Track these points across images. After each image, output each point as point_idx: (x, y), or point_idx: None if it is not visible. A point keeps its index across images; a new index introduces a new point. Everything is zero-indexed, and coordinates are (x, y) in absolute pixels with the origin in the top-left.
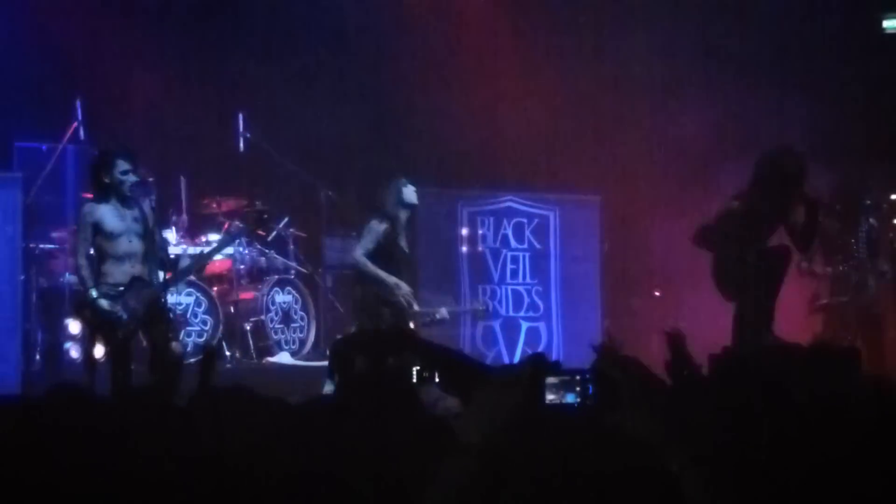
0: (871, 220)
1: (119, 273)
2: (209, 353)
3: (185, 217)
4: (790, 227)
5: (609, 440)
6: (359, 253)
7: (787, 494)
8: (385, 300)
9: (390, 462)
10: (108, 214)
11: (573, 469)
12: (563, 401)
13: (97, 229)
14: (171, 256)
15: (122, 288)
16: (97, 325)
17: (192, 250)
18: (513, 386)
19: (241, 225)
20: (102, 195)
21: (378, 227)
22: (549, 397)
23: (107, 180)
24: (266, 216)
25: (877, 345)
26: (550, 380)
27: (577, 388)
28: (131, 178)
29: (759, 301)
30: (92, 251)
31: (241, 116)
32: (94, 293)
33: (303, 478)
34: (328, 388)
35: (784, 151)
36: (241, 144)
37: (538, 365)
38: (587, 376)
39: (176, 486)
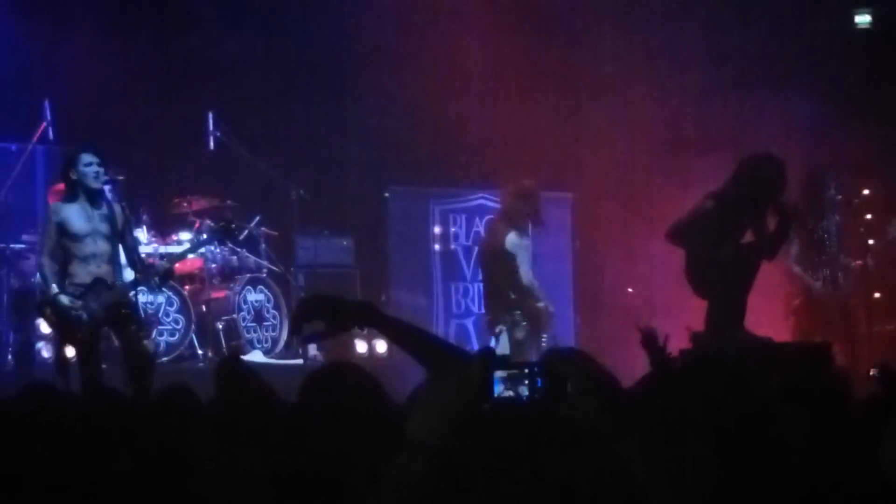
0: (836, 216)
1: (84, 273)
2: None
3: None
4: (760, 233)
5: (558, 433)
6: (530, 275)
7: (741, 485)
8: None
9: (349, 459)
10: (74, 215)
11: (523, 464)
12: (513, 394)
13: (62, 229)
14: (143, 256)
15: (83, 289)
16: (58, 325)
17: (162, 249)
18: (461, 380)
19: (205, 236)
20: (71, 194)
21: (527, 241)
22: (498, 391)
23: (73, 177)
24: (234, 226)
25: (850, 340)
26: (499, 373)
27: (526, 382)
28: (94, 168)
29: (731, 297)
30: (58, 250)
31: (210, 115)
32: (54, 289)
33: (270, 477)
34: (312, 351)
35: (765, 157)
36: (212, 143)
37: (487, 359)
38: (535, 369)
39: (146, 483)
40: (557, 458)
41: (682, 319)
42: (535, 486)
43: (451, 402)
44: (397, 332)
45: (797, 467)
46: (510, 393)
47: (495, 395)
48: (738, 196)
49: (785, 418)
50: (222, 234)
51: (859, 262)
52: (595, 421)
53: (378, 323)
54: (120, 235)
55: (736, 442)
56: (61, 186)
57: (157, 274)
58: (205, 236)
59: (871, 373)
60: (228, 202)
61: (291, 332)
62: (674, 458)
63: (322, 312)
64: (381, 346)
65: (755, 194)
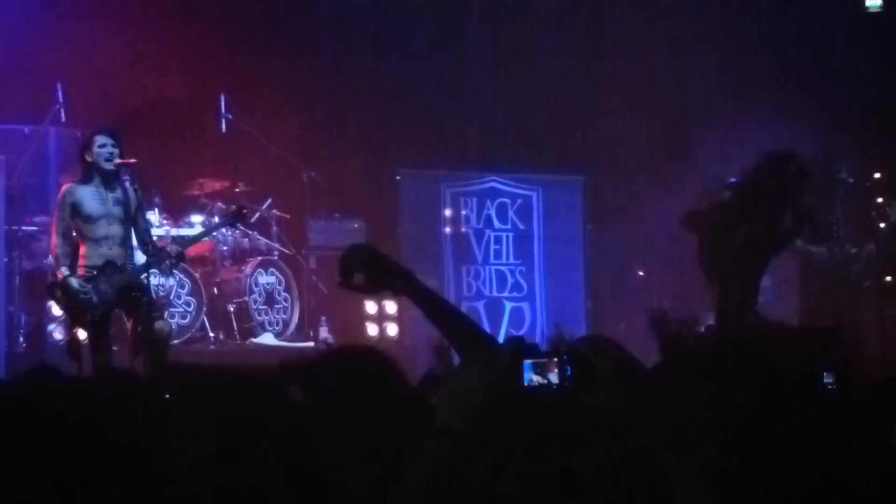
0: (841, 201)
1: (96, 255)
2: None
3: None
4: (774, 226)
5: (590, 420)
6: None
7: (768, 473)
8: None
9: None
10: (88, 197)
11: (557, 451)
12: (543, 381)
13: (76, 211)
14: (154, 240)
15: (95, 271)
16: (67, 306)
17: (174, 232)
18: (490, 368)
19: (217, 219)
20: (85, 176)
21: None
22: (529, 378)
23: (88, 158)
24: (246, 210)
25: (858, 323)
26: (529, 361)
27: (556, 370)
28: (109, 150)
29: (744, 283)
30: (72, 232)
31: (222, 97)
32: (65, 271)
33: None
34: (324, 333)
35: (789, 156)
36: (223, 126)
37: (517, 347)
38: (565, 357)
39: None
40: (585, 447)
41: (692, 301)
42: (562, 475)
43: (481, 389)
44: (431, 307)
45: (815, 453)
46: (540, 380)
47: (526, 382)
48: (757, 190)
49: (801, 403)
50: (234, 219)
51: (870, 245)
52: (625, 408)
53: (414, 292)
54: (132, 218)
55: (758, 428)
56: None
57: (168, 258)
58: (217, 220)
59: None
60: (240, 185)
61: (339, 277)
62: (699, 446)
63: (365, 266)
64: (392, 328)
65: (775, 191)
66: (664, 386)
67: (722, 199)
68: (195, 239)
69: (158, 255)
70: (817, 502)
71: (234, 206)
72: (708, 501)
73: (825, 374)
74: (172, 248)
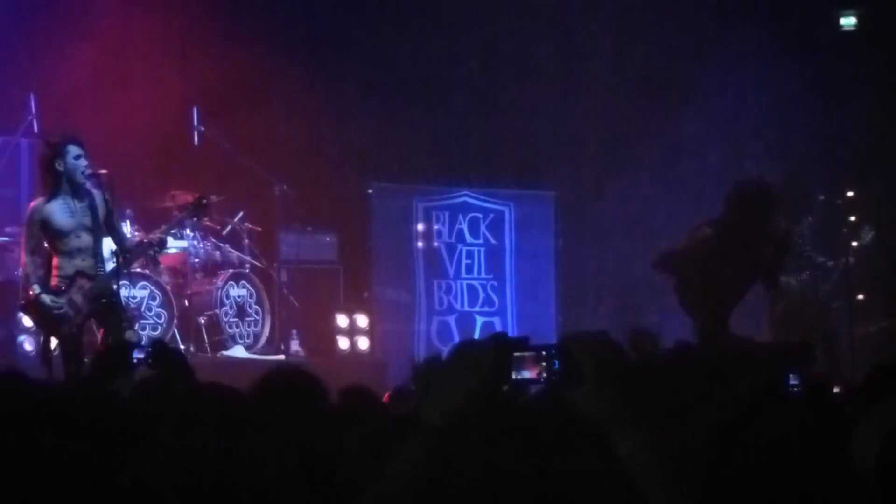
0: (810, 217)
1: (69, 266)
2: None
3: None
4: (757, 261)
5: (569, 424)
6: None
7: (727, 480)
8: None
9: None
10: (57, 211)
11: (531, 452)
12: (531, 376)
13: (45, 227)
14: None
15: (67, 282)
16: (42, 322)
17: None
18: (475, 363)
19: (178, 214)
20: (54, 188)
21: None
22: (515, 373)
23: (60, 168)
24: (205, 201)
25: (830, 341)
26: (517, 355)
27: (544, 364)
28: (83, 161)
29: (719, 315)
30: (43, 246)
31: (195, 110)
32: (36, 289)
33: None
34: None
35: (754, 185)
36: (196, 138)
37: (502, 341)
38: (553, 352)
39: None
40: (563, 451)
41: (666, 317)
42: (542, 475)
43: (467, 383)
44: None
45: (779, 463)
46: (528, 375)
47: (514, 377)
48: (729, 223)
49: (766, 414)
50: (195, 211)
51: (843, 261)
52: (601, 411)
53: None
54: (106, 224)
55: (719, 437)
56: None
57: (151, 246)
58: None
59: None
60: (212, 197)
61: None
62: (668, 454)
63: None
64: (363, 342)
65: (745, 222)
66: (636, 391)
67: (701, 236)
68: (164, 241)
69: (141, 247)
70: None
71: (194, 198)
72: None
73: (790, 376)
74: (154, 236)
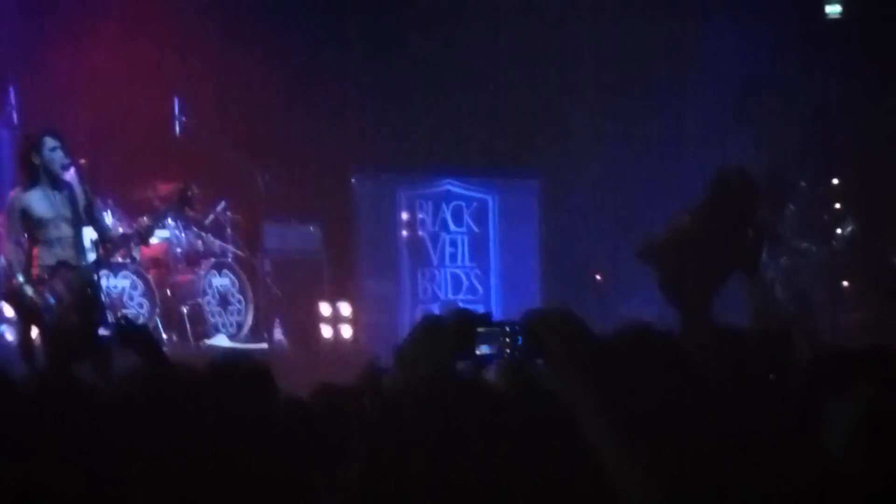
0: (791, 205)
1: (49, 257)
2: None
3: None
4: (737, 249)
5: (531, 399)
6: None
7: (695, 459)
8: None
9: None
10: (37, 201)
11: (492, 427)
12: (494, 351)
13: (26, 216)
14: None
15: (48, 272)
16: (25, 312)
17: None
18: (439, 337)
19: (162, 205)
20: (32, 180)
21: None
22: (480, 348)
23: (36, 161)
24: (190, 193)
25: (810, 328)
26: (481, 330)
27: (507, 340)
28: (59, 153)
29: (702, 304)
30: (24, 237)
31: (176, 100)
32: (20, 278)
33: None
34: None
35: (735, 174)
36: (178, 128)
37: (464, 315)
38: (517, 328)
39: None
40: (527, 426)
41: (649, 305)
42: (503, 450)
43: (430, 358)
44: None
45: (750, 450)
46: (491, 350)
47: (477, 352)
48: (710, 211)
49: (739, 400)
50: (180, 204)
51: (825, 249)
52: (564, 388)
53: None
54: (86, 215)
55: (685, 415)
56: None
57: (138, 235)
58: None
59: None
60: (194, 187)
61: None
62: (637, 435)
63: None
64: (347, 331)
65: (727, 211)
66: (608, 372)
67: (681, 224)
68: (150, 231)
69: (126, 239)
70: (747, 486)
71: (178, 189)
72: (648, 490)
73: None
74: (136, 227)
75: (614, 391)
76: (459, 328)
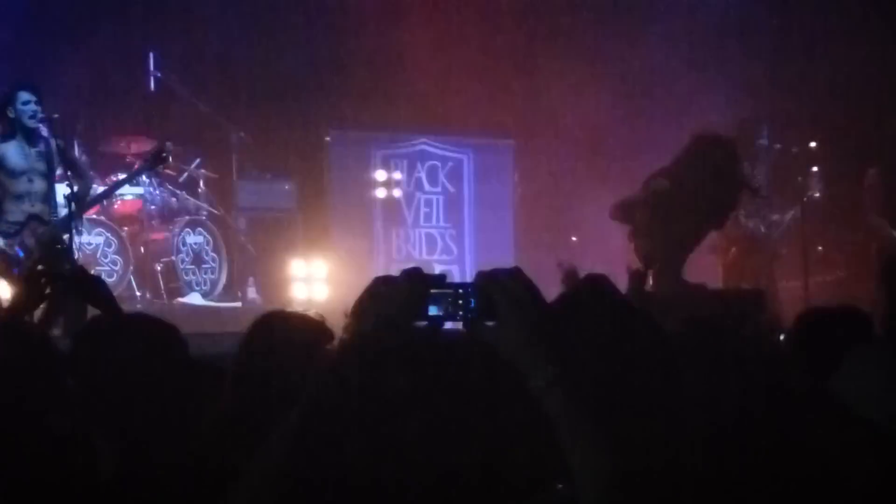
0: (765, 165)
1: (18, 211)
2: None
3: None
4: (715, 211)
5: (482, 360)
6: None
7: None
8: None
9: None
10: (12, 152)
11: (442, 387)
12: (446, 313)
13: None
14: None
15: (18, 227)
16: None
17: (101, 190)
18: (390, 296)
19: (136, 163)
20: (7, 133)
21: None
22: (432, 309)
23: (10, 115)
24: (165, 153)
25: (773, 289)
26: (434, 291)
27: (460, 301)
28: (32, 107)
29: (674, 263)
30: None
31: (151, 56)
32: None
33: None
34: (252, 294)
35: (715, 141)
36: (152, 84)
37: (417, 277)
38: (469, 290)
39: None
40: (477, 386)
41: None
42: (453, 410)
43: (379, 316)
44: None
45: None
46: (443, 312)
47: (430, 313)
48: (689, 178)
49: (693, 357)
50: (155, 162)
51: (792, 213)
52: (513, 348)
53: None
54: (65, 164)
55: (639, 385)
56: None
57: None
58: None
59: None
60: (168, 144)
61: None
62: (584, 389)
63: None
64: (321, 290)
65: (708, 174)
66: (558, 332)
67: (657, 187)
68: (120, 184)
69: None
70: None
71: (153, 149)
72: (595, 443)
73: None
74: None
75: (565, 354)
76: (411, 288)
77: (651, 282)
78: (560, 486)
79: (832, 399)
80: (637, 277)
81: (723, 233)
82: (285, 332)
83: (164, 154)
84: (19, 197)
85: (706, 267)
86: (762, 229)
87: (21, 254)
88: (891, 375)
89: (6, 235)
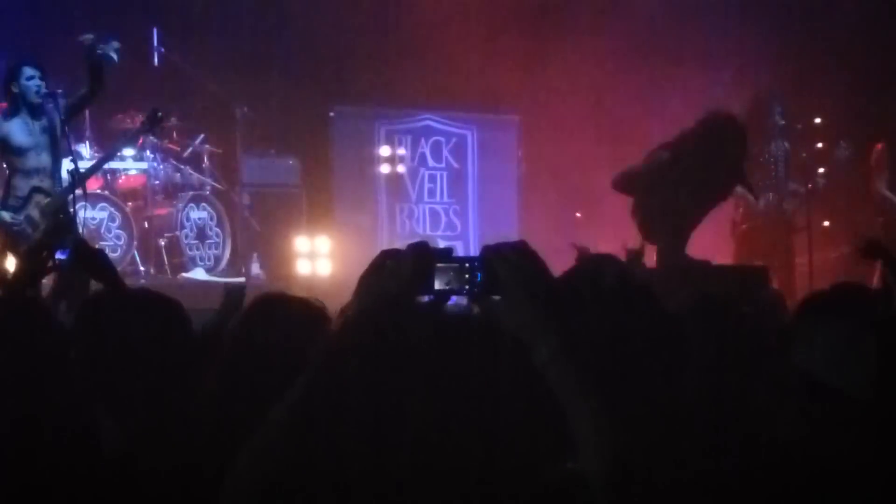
0: (786, 143)
1: (26, 186)
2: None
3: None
4: (720, 188)
5: (488, 334)
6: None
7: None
8: None
9: None
10: (17, 129)
11: (448, 361)
12: (453, 287)
13: (5, 144)
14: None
15: (23, 201)
16: (2, 238)
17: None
18: (395, 270)
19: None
20: (12, 108)
21: None
22: (439, 283)
23: (15, 90)
24: (160, 114)
25: (788, 266)
26: (440, 265)
27: (467, 276)
28: (37, 82)
29: (678, 240)
30: (2, 165)
31: (155, 31)
32: None
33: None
34: (255, 270)
35: (726, 122)
36: (156, 59)
37: (423, 250)
38: (476, 263)
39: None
40: (482, 360)
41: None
42: (459, 383)
43: (385, 290)
44: None
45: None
46: (450, 285)
47: (436, 287)
48: (695, 155)
49: (707, 335)
50: (150, 123)
51: (809, 186)
52: (518, 321)
53: None
54: (58, 146)
55: (642, 359)
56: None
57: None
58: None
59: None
60: (173, 119)
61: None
62: (587, 364)
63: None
64: (325, 266)
65: (715, 153)
66: (562, 306)
67: (660, 161)
68: (118, 148)
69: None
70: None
71: (149, 112)
72: (599, 416)
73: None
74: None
75: (570, 329)
76: (418, 261)
77: (655, 257)
78: (570, 464)
79: (796, 369)
80: (633, 256)
81: (735, 208)
82: (285, 311)
83: (160, 115)
84: (27, 173)
85: (718, 244)
86: (778, 204)
87: (28, 230)
88: (851, 344)
89: (14, 210)
